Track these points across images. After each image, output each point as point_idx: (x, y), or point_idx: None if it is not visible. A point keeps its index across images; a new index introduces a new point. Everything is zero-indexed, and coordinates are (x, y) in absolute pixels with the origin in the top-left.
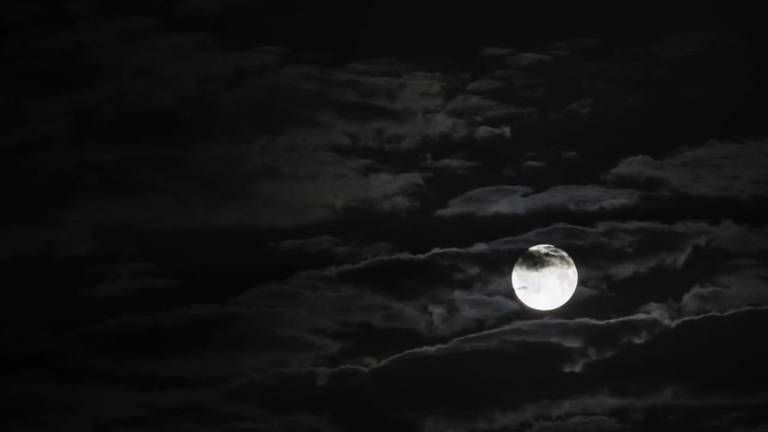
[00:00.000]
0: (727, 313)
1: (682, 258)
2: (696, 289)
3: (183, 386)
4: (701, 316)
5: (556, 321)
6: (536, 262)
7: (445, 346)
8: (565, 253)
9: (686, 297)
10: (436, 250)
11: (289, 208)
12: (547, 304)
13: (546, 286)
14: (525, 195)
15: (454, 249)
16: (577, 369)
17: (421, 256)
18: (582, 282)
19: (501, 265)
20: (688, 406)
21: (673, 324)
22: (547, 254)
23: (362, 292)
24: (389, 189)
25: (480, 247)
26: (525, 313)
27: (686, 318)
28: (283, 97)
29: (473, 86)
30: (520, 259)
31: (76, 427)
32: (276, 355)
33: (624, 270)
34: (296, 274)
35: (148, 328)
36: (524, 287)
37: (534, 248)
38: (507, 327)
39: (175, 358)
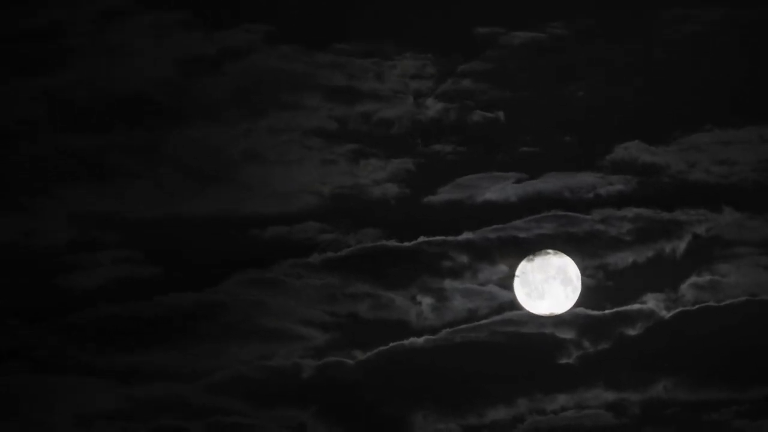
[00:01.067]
0: (722, 304)
1: (680, 246)
2: (694, 279)
3: (166, 379)
4: (696, 306)
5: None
6: (539, 266)
7: (434, 337)
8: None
9: (684, 286)
10: (425, 238)
11: (274, 194)
12: (551, 310)
13: (549, 293)
14: (518, 181)
15: (444, 237)
16: (572, 361)
17: (409, 244)
18: (580, 271)
19: (492, 254)
20: (686, 400)
21: (670, 315)
22: (549, 258)
23: (349, 280)
24: (379, 175)
25: (470, 235)
26: (517, 303)
27: (683, 308)
28: (266, 79)
29: (465, 68)
30: (522, 264)
31: (58, 421)
32: (261, 346)
33: (621, 259)
34: (281, 262)
35: (129, 318)
36: (527, 294)
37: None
38: (499, 317)
39: (158, 350)
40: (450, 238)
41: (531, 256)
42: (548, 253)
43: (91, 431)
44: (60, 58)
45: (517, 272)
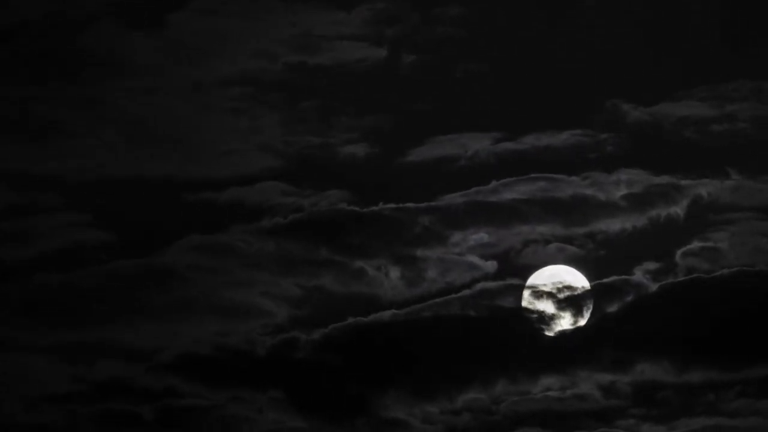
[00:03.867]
0: (714, 275)
1: (675, 211)
2: (689, 247)
3: (113, 358)
4: (685, 278)
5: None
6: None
7: (405, 311)
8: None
9: (678, 255)
10: (395, 203)
11: (229, 154)
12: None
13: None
14: (498, 141)
15: (417, 203)
16: (557, 337)
17: (378, 208)
18: (566, 239)
19: (467, 220)
20: (680, 382)
21: (657, 287)
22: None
23: (312, 247)
24: (350, 134)
25: (445, 199)
26: (496, 273)
27: (672, 281)
28: (215, 27)
29: (441, 13)
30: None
31: (4, 403)
32: (217, 322)
33: (612, 226)
34: (238, 227)
35: (73, 290)
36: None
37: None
38: (474, 289)
39: (104, 326)
40: (423, 203)
41: (540, 271)
42: (558, 269)
43: (41, 415)
44: None
45: (526, 286)
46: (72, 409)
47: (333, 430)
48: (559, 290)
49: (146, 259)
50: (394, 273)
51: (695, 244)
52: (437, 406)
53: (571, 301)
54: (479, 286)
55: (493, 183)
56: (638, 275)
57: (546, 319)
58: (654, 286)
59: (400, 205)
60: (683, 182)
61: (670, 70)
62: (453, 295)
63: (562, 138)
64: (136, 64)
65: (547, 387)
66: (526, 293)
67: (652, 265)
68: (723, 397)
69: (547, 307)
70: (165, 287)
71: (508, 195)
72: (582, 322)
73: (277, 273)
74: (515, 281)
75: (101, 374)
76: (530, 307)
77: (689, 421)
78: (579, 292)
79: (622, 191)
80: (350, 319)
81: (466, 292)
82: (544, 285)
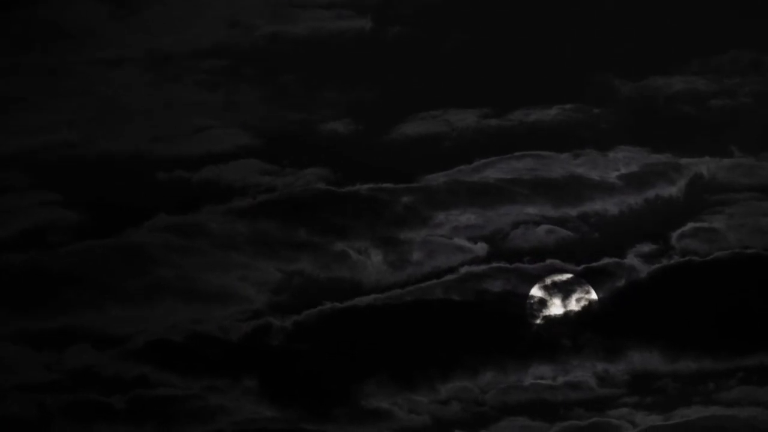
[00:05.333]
0: (708, 258)
1: (673, 191)
2: (685, 228)
3: (84, 344)
4: (678, 261)
5: (522, 266)
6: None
7: (386, 294)
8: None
9: (674, 237)
10: (379, 183)
11: (204, 130)
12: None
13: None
14: (485, 117)
15: (401, 181)
16: (546, 324)
17: (361, 188)
18: (557, 221)
19: (451, 200)
20: (677, 368)
21: (648, 272)
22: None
23: (292, 229)
24: (333, 109)
25: (430, 179)
26: (483, 256)
27: (664, 264)
28: None
29: None
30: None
31: None
32: (191, 307)
33: (606, 206)
34: (213, 206)
35: (40, 273)
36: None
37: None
38: (459, 272)
39: (77, 310)
40: (406, 183)
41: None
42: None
43: (10, 405)
44: None
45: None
46: (42, 399)
47: (311, 420)
48: (549, 274)
49: (116, 240)
50: (377, 256)
51: (692, 225)
52: (423, 395)
53: (561, 287)
54: (464, 269)
55: (477, 161)
56: (630, 258)
57: (535, 305)
58: (646, 270)
59: (382, 184)
60: (682, 160)
61: (659, 42)
62: (436, 280)
63: (552, 113)
64: (102, 35)
65: (538, 375)
66: (514, 278)
67: (646, 248)
68: (720, 386)
69: (536, 291)
70: (137, 270)
71: (493, 174)
72: (573, 307)
73: (254, 256)
74: (502, 264)
75: (71, 362)
76: (519, 291)
77: (685, 411)
78: (570, 276)
79: (618, 170)
80: (327, 305)
81: (451, 275)
82: (534, 269)
